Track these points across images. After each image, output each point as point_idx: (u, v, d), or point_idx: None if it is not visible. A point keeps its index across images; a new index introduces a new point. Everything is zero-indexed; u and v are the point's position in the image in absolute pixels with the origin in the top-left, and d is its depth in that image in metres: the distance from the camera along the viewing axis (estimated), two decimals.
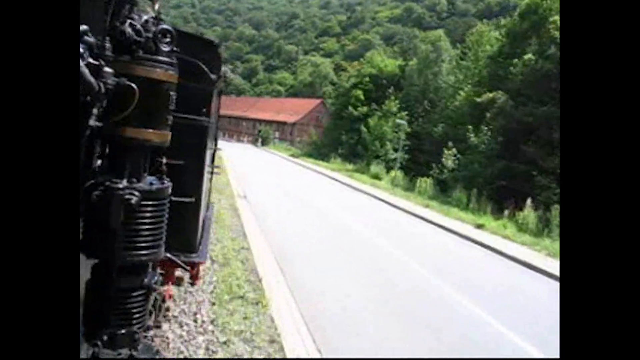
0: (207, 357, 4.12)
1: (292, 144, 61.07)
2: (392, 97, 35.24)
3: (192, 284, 4.26)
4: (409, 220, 15.90)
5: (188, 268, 3.36)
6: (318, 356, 4.87)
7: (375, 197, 20.57)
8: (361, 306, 6.54)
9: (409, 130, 31.77)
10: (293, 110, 71.33)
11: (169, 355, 3.90)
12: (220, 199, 12.97)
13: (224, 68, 4.01)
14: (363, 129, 34.66)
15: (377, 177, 29.23)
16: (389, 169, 31.24)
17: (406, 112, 33.87)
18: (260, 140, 62.89)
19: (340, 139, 41.79)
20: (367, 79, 43.38)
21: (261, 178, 22.35)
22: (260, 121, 72.04)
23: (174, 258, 2.90)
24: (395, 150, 32.73)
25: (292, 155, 44.92)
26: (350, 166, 34.83)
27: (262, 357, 4.38)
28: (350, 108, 41.88)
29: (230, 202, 13.19)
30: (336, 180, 26.28)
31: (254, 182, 19.76)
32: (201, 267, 4.04)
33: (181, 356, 4.01)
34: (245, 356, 4.31)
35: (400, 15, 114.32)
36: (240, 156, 35.64)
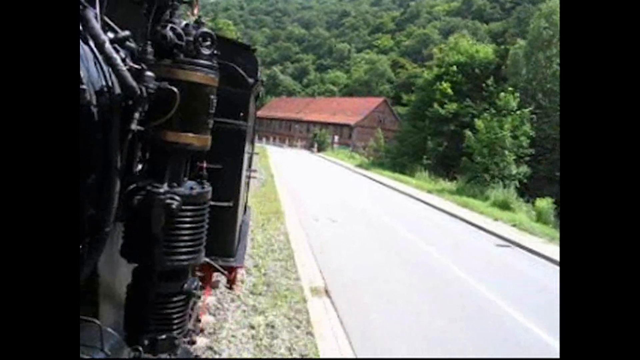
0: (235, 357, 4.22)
1: (353, 149, 55.59)
2: (510, 89, 26.27)
3: (230, 288, 4.39)
4: None
5: (226, 272, 3.46)
6: None
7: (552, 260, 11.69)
8: None
9: (532, 134, 24.12)
10: (351, 110, 67.18)
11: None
12: (277, 321, 5.96)
13: (260, 72, 4.13)
14: (468, 133, 26.08)
15: (505, 206, 19.89)
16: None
17: (530, 109, 25.35)
18: (315, 145, 58.35)
19: (424, 146, 34.13)
20: (454, 68, 35.39)
21: (335, 218, 14.15)
22: (314, 123, 68.19)
23: (212, 262, 3.00)
24: (519, 159, 23.98)
25: (360, 166, 38.06)
26: (447, 184, 26.64)
27: (267, 357, 4.43)
28: (435, 105, 34.17)
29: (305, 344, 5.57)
30: (451, 214, 17.68)
31: (329, 231, 12.28)
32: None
33: None
34: None
35: (459, 8, 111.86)
36: (295, 169, 29.98)
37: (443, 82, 35.16)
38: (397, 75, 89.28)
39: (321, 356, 5.41)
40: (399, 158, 37.41)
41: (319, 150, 56.98)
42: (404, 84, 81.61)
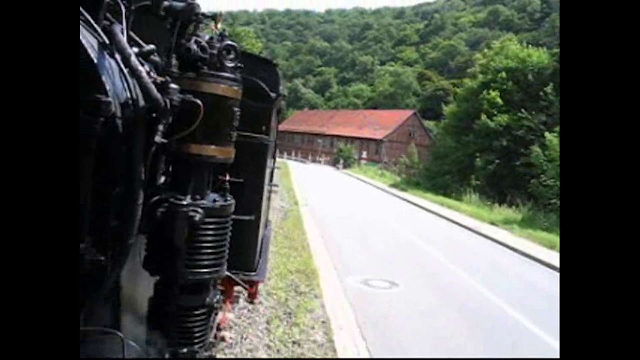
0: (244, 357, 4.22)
1: (383, 166, 51.87)
2: None
3: (251, 302, 4.44)
4: None
5: (247, 287, 3.50)
6: None
7: None
8: None
9: None
10: (379, 123, 64.30)
11: None
12: None
13: (282, 87, 4.23)
14: (536, 149, 22.23)
15: None
16: None
17: None
18: (341, 161, 55.49)
19: (471, 164, 29.99)
20: (502, 75, 31.35)
21: (392, 277, 9.75)
22: (339, 138, 65.51)
23: (233, 276, 3.03)
24: None
25: (394, 186, 34.33)
26: (506, 211, 22.09)
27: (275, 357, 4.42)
28: (483, 117, 30.16)
29: None
30: (546, 265, 12.63)
31: (393, 309, 8.05)
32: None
33: None
34: None
35: (486, 19, 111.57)
36: (322, 191, 26.41)
37: (491, 91, 31.10)
38: (424, 87, 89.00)
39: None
40: (440, 177, 33.01)
41: (345, 166, 54.23)
42: (431, 97, 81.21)
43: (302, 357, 4.78)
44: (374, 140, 61.95)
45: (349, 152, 59.00)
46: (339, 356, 5.04)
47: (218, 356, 4.24)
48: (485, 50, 39.33)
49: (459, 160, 31.95)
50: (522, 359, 6.11)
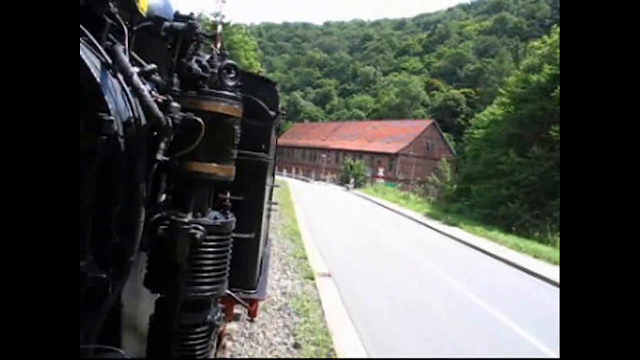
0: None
1: (410, 187, 45.26)
2: None
3: (251, 320, 4.55)
4: None
5: (247, 305, 3.60)
6: None
7: None
8: None
9: None
10: (391, 135, 59.89)
11: None
12: None
13: (281, 104, 4.40)
14: None
15: None
16: None
17: None
18: (352, 180, 48.43)
19: (548, 185, 23.01)
20: None
21: None
22: (346, 152, 60.87)
23: (233, 295, 3.14)
24: None
25: (431, 216, 27.30)
26: None
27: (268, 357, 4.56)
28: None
29: None
30: None
31: None
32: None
33: None
34: None
35: (492, 26, 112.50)
36: (340, 231, 18.61)
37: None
38: (432, 97, 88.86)
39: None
40: (501, 206, 25.32)
41: (356, 185, 47.73)
42: (441, 107, 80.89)
43: (302, 357, 4.93)
44: (387, 154, 56.91)
45: (360, 168, 52.31)
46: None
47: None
48: (545, 36, 33.40)
49: (528, 182, 24.88)
50: (522, 359, 6.37)
